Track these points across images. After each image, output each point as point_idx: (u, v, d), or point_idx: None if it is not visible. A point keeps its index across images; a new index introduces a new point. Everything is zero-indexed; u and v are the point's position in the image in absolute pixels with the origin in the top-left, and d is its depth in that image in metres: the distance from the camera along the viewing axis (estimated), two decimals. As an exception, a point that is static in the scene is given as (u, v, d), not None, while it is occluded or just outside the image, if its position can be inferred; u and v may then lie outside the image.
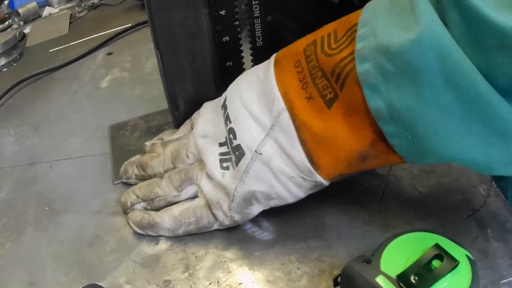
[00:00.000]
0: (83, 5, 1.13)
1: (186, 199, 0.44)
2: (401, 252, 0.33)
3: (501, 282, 0.35)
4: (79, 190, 0.53)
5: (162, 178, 0.45)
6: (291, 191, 0.38)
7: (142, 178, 0.48)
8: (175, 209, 0.43)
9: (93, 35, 0.94)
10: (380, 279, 0.31)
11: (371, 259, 0.33)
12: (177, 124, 0.54)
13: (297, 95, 0.35)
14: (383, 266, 0.32)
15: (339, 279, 0.34)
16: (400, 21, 0.28)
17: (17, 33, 1.02)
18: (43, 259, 0.45)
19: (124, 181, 0.51)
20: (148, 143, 0.52)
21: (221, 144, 0.41)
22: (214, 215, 0.41)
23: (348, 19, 0.33)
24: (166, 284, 0.40)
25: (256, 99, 0.38)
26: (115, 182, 0.52)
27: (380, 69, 0.29)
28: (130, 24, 0.91)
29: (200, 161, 0.44)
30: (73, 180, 0.54)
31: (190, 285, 0.39)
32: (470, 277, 0.31)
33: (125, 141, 0.59)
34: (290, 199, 0.39)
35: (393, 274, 0.31)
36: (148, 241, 0.44)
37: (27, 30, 1.06)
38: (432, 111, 0.28)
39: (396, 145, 0.32)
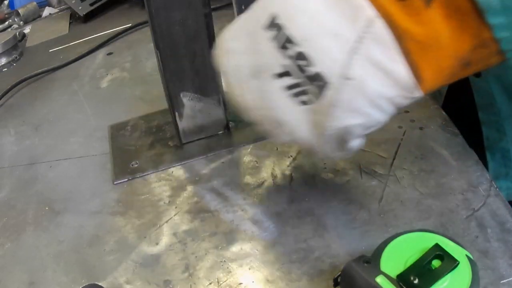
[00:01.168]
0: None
1: None
2: (401, 252, 0.33)
3: (501, 282, 0.35)
4: (79, 190, 0.53)
5: None
6: (388, 113, 0.31)
7: None
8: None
9: (93, 35, 0.94)
10: (380, 279, 0.31)
11: (371, 259, 0.33)
12: (177, 124, 0.54)
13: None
14: (383, 266, 0.32)
15: (339, 279, 0.34)
16: None
17: (17, 33, 1.02)
18: (43, 259, 0.45)
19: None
20: None
21: (279, 75, 0.32)
22: (323, 154, 0.35)
23: None
24: (166, 284, 0.40)
25: (326, 10, 0.29)
26: (115, 182, 0.52)
27: None
28: (130, 24, 0.91)
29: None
30: (73, 180, 0.54)
31: (190, 285, 0.39)
32: (470, 277, 0.31)
33: (125, 141, 0.59)
34: (386, 120, 0.32)
35: (393, 274, 0.31)
36: (148, 241, 0.44)
37: (27, 30, 1.06)
38: None
39: (503, 39, 0.28)
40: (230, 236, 0.43)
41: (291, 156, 0.51)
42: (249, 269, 0.40)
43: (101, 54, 0.86)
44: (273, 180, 0.49)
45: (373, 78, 0.29)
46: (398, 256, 0.33)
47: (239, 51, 0.33)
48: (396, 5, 0.28)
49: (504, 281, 0.35)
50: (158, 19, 0.46)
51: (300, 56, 0.30)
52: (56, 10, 1.12)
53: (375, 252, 0.34)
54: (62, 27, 1.03)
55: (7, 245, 0.47)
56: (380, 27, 0.28)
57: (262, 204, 0.46)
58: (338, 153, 0.33)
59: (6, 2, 1.18)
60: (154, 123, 0.61)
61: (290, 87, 0.31)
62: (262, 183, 0.49)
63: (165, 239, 0.44)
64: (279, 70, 0.31)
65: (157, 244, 0.44)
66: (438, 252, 0.32)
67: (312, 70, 0.30)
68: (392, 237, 0.35)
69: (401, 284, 0.31)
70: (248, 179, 0.50)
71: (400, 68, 0.29)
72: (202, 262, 0.41)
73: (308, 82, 0.30)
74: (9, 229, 0.49)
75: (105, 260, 0.43)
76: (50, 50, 0.93)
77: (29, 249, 0.46)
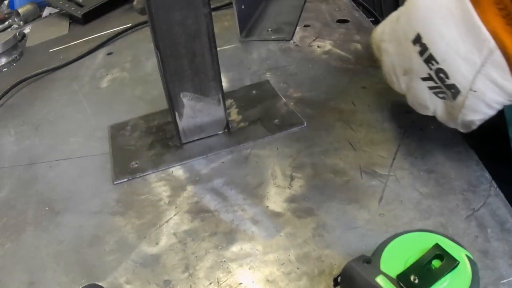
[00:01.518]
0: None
1: None
2: (401, 252, 0.33)
3: (501, 282, 0.35)
4: (79, 190, 0.53)
5: None
6: (497, 110, 0.42)
7: None
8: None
9: (93, 35, 0.94)
10: (380, 279, 0.31)
11: (371, 259, 0.33)
12: (177, 124, 0.54)
13: (504, 32, 0.38)
14: (383, 266, 0.32)
15: (339, 279, 0.34)
16: None
17: (17, 33, 1.02)
18: (43, 259, 0.45)
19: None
20: None
21: (424, 79, 0.43)
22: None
23: None
24: (166, 284, 0.40)
25: (460, 39, 0.40)
26: (115, 182, 0.52)
27: None
28: (130, 24, 0.91)
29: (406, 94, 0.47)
30: (73, 180, 0.55)
31: (190, 285, 0.39)
32: (470, 277, 0.31)
33: (125, 141, 0.59)
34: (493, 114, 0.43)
35: (393, 274, 0.31)
36: (148, 241, 0.44)
37: (27, 30, 1.06)
38: None
39: None
40: (230, 236, 0.43)
41: (291, 156, 0.51)
42: (249, 269, 0.40)
43: (101, 54, 0.86)
44: (273, 180, 0.49)
45: (491, 91, 0.40)
46: (398, 256, 0.33)
47: (392, 52, 0.46)
48: (508, 34, 0.38)
49: (504, 281, 0.35)
50: (158, 19, 0.46)
51: (440, 71, 0.42)
52: (56, 10, 1.12)
53: (375, 252, 0.34)
54: (62, 27, 1.03)
55: (7, 245, 0.47)
56: (498, 56, 0.38)
57: (262, 204, 0.46)
58: (463, 129, 0.45)
59: (6, 2, 1.18)
60: (154, 123, 0.61)
61: (433, 87, 0.43)
62: (262, 183, 0.49)
63: (165, 239, 0.44)
64: (425, 75, 0.43)
65: (157, 244, 0.44)
66: (438, 252, 0.32)
67: (449, 82, 0.41)
68: (392, 237, 0.35)
69: (401, 284, 0.31)
70: (248, 179, 0.50)
71: (510, 85, 0.39)
72: (202, 262, 0.41)
73: (445, 88, 0.42)
74: (9, 229, 0.49)
75: (105, 260, 0.43)
76: (50, 50, 0.93)
77: (29, 249, 0.46)
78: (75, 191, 0.53)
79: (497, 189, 0.43)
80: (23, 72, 0.82)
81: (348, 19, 0.81)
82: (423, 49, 0.42)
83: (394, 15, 0.46)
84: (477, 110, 0.42)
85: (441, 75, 0.42)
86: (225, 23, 0.88)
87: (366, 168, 0.48)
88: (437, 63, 0.42)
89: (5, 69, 0.89)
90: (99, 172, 0.55)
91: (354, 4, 0.87)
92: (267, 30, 0.81)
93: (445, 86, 0.42)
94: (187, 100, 0.52)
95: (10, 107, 0.74)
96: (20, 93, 0.78)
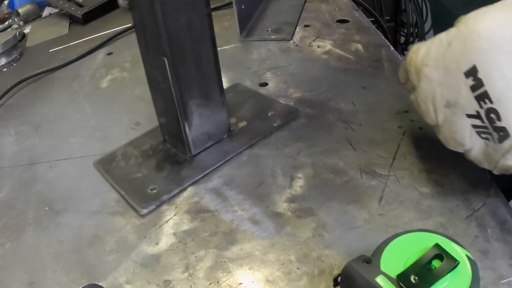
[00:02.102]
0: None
1: None
2: (401, 252, 0.33)
3: (501, 282, 0.35)
4: (79, 190, 0.53)
5: None
6: None
7: None
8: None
9: (93, 35, 0.94)
10: (380, 279, 0.31)
11: (371, 259, 0.33)
12: (187, 136, 0.51)
13: None
14: (383, 266, 0.32)
15: (339, 279, 0.34)
16: None
17: (17, 33, 1.02)
18: (43, 259, 0.45)
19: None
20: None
21: (470, 116, 0.40)
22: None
23: None
24: (166, 284, 0.40)
25: None
26: (143, 213, 0.47)
27: None
28: (130, 24, 0.91)
29: (439, 129, 0.43)
30: (73, 180, 0.54)
31: (190, 285, 0.39)
32: (470, 277, 0.31)
33: (126, 172, 0.53)
34: None
35: (393, 274, 0.31)
36: (148, 241, 0.44)
37: (27, 30, 1.06)
38: None
39: None
40: (230, 236, 0.43)
41: (291, 156, 0.51)
42: (249, 269, 0.40)
43: (101, 54, 0.86)
44: (273, 180, 0.49)
45: None
46: (398, 256, 0.33)
47: (436, 80, 0.41)
48: None
49: (504, 281, 0.35)
50: (166, 23, 0.44)
51: (492, 111, 0.38)
52: (56, 10, 1.12)
53: (375, 252, 0.34)
54: (62, 27, 1.03)
55: (7, 245, 0.47)
56: None
57: (262, 204, 0.46)
58: (495, 171, 0.41)
59: (6, 2, 1.18)
60: (146, 147, 0.56)
61: (477, 126, 0.40)
62: (262, 183, 0.49)
63: (165, 239, 0.44)
64: (472, 112, 0.39)
65: (157, 244, 0.44)
66: (438, 252, 0.32)
67: (499, 124, 0.38)
68: (392, 237, 0.35)
69: (401, 284, 0.31)
70: (248, 179, 0.50)
71: None
72: (202, 262, 0.41)
73: (492, 130, 0.39)
74: (9, 229, 0.49)
75: (105, 260, 0.43)
76: (50, 50, 0.93)
77: (29, 249, 0.46)
78: (75, 191, 0.53)
79: (497, 189, 0.43)
80: (23, 72, 0.82)
81: (348, 19, 0.81)
82: (478, 84, 0.38)
83: (443, 38, 0.41)
84: None
85: (492, 115, 0.38)
86: (225, 23, 0.88)
87: (366, 168, 0.48)
88: (491, 102, 0.38)
89: (5, 69, 0.89)
90: (99, 172, 0.55)
91: (354, 4, 0.87)
92: (267, 30, 0.81)
93: (493, 128, 0.39)
94: (195, 107, 0.50)
95: (10, 107, 0.74)
96: (20, 93, 0.78)
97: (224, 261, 0.41)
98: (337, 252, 0.40)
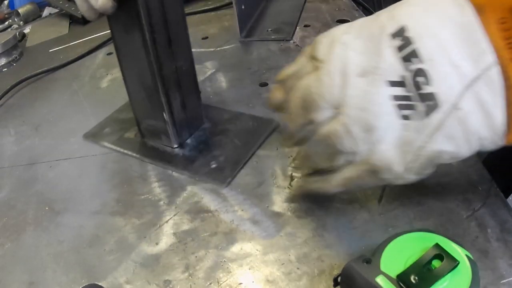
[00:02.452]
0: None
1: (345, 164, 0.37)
2: (401, 252, 0.33)
3: (501, 282, 0.35)
4: (79, 190, 0.53)
5: (311, 153, 0.38)
6: (471, 151, 0.34)
7: (298, 144, 0.40)
8: (339, 178, 0.37)
9: (93, 35, 0.94)
10: (380, 279, 0.31)
11: (371, 259, 0.33)
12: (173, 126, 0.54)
13: (504, 52, 0.31)
14: (383, 266, 0.32)
15: (339, 279, 0.34)
16: None
17: (17, 33, 1.02)
18: (43, 259, 0.45)
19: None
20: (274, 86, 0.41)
21: (392, 84, 0.33)
22: (380, 180, 0.35)
23: None
24: (166, 284, 0.40)
25: (455, 43, 0.32)
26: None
27: None
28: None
29: (339, 105, 0.34)
30: (73, 180, 0.55)
31: (190, 285, 0.39)
32: (470, 277, 0.31)
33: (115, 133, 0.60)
34: (462, 158, 0.34)
35: (393, 274, 0.31)
36: (148, 241, 0.44)
37: (27, 30, 1.06)
38: None
39: None
40: (230, 236, 0.43)
41: (291, 156, 0.51)
42: (249, 269, 0.40)
43: (101, 54, 0.86)
44: (273, 180, 0.49)
45: (476, 115, 0.32)
46: (398, 256, 0.33)
47: (355, 48, 0.34)
48: (509, 58, 0.31)
49: (504, 281, 0.35)
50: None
51: (421, 73, 0.32)
52: (56, 10, 1.12)
53: (375, 252, 0.34)
54: (62, 27, 1.04)
55: (7, 245, 0.47)
56: (496, 73, 0.31)
57: (262, 204, 0.46)
58: (410, 175, 0.35)
59: (6, 2, 1.18)
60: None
61: (399, 97, 0.33)
62: (262, 183, 0.49)
63: (165, 239, 0.44)
64: (395, 79, 0.33)
65: (157, 244, 0.44)
66: (438, 252, 0.32)
67: (429, 89, 0.32)
68: (392, 237, 0.35)
69: (401, 284, 0.31)
70: (248, 179, 0.50)
71: (499, 114, 0.32)
72: (202, 262, 0.41)
73: (418, 99, 0.32)
74: (9, 229, 0.49)
75: (105, 260, 0.43)
76: (50, 50, 0.93)
77: (29, 249, 0.46)
78: (75, 191, 0.53)
79: (497, 189, 0.43)
80: (23, 72, 0.82)
81: (348, 19, 0.81)
82: (405, 43, 0.32)
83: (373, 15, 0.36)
84: (453, 138, 0.32)
85: (420, 78, 0.32)
86: (225, 23, 0.88)
87: (366, 168, 0.48)
88: (421, 62, 0.32)
89: (5, 69, 0.89)
90: (99, 172, 0.55)
91: (354, 4, 0.87)
92: (267, 30, 0.81)
93: (419, 96, 0.32)
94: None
95: (10, 107, 0.75)
96: (20, 93, 0.78)
97: (224, 261, 0.41)
98: (337, 252, 0.40)
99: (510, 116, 0.32)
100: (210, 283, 0.39)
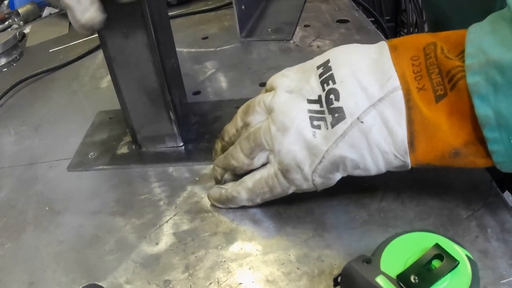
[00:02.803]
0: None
1: (260, 166, 0.43)
2: (401, 252, 0.33)
3: (501, 282, 0.35)
4: (79, 190, 0.53)
5: (234, 146, 0.44)
6: (378, 165, 0.39)
7: (224, 149, 0.47)
8: (249, 181, 0.43)
9: (93, 35, 0.94)
10: (380, 279, 0.31)
11: (371, 259, 0.33)
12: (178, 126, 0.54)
13: (412, 81, 0.37)
14: (383, 266, 0.32)
15: (339, 279, 0.34)
16: (506, 42, 0.33)
17: (17, 33, 1.02)
18: (43, 259, 0.45)
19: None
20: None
21: (310, 101, 0.40)
22: (289, 181, 0.41)
23: (454, 37, 0.38)
24: (166, 284, 0.40)
25: (367, 71, 0.39)
26: None
27: (491, 81, 0.33)
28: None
29: (269, 115, 0.42)
30: (73, 180, 0.55)
31: (190, 285, 0.39)
32: (470, 277, 0.31)
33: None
34: (373, 172, 0.39)
35: (393, 274, 0.31)
36: (148, 241, 0.44)
37: (27, 30, 1.06)
38: None
39: (495, 152, 0.35)
40: (230, 236, 0.43)
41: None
42: (249, 269, 0.40)
43: (101, 54, 0.86)
44: (273, 180, 0.49)
45: (378, 129, 0.37)
46: (398, 256, 0.33)
47: (291, 77, 0.43)
48: (414, 85, 0.37)
49: (504, 281, 0.35)
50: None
51: (333, 91, 0.39)
52: (56, 10, 1.12)
53: (375, 252, 0.34)
54: (62, 27, 1.04)
55: (7, 245, 0.47)
56: (399, 96, 0.37)
57: (262, 204, 0.46)
58: (316, 178, 0.40)
59: (6, 2, 1.18)
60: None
61: (313, 111, 0.40)
62: (262, 183, 0.49)
63: (165, 239, 0.44)
64: (313, 97, 0.40)
65: (157, 244, 0.44)
66: (438, 252, 0.32)
67: (336, 104, 0.38)
68: (392, 237, 0.35)
69: (401, 284, 0.31)
70: (248, 179, 0.50)
71: (400, 131, 0.37)
72: (202, 262, 0.41)
73: (328, 112, 0.39)
74: (9, 229, 0.49)
75: (105, 260, 0.43)
76: (50, 50, 0.93)
77: (29, 249, 0.46)
78: (75, 191, 0.53)
79: (497, 189, 0.43)
80: (23, 72, 0.82)
81: (348, 19, 0.81)
82: (326, 70, 0.40)
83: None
84: (355, 146, 0.38)
85: (331, 96, 0.38)
86: (225, 23, 0.88)
87: (366, 168, 0.48)
88: (334, 83, 0.39)
89: (5, 69, 0.89)
90: (99, 172, 0.55)
91: (354, 4, 0.87)
92: (267, 30, 0.82)
93: (329, 110, 0.38)
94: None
95: (10, 107, 0.75)
96: (20, 93, 0.78)
97: (224, 261, 0.41)
98: (337, 252, 0.40)
99: (411, 133, 0.37)
100: (210, 283, 0.39)
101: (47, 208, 0.51)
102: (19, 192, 0.54)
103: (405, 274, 0.31)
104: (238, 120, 0.45)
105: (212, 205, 0.47)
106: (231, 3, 0.81)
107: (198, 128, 0.56)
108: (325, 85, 0.40)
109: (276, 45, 0.77)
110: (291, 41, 0.77)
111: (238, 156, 0.43)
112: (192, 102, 0.63)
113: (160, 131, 0.55)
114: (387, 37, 0.81)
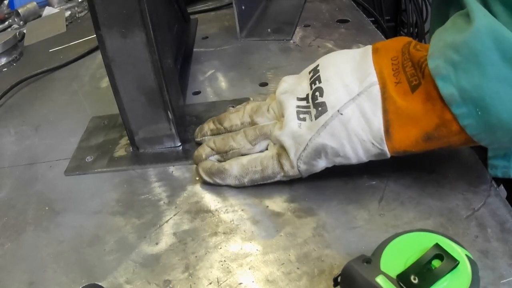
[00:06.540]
0: (83, 5, 1.13)
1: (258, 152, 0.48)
2: (401, 252, 0.33)
3: (501, 282, 0.35)
4: (79, 190, 0.53)
5: (237, 133, 0.49)
6: (357, 153, 0.42)
7: (217, 133, 0.51)
8: (244, 158, 0.47)
9: (93, 35, 0.94)
10: (380, 279, 0.31)
11: (371, 259, 0.33)
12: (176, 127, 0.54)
13: (389, 77, 0.41)
14: (383, 266, 0.32)
15: (339, 279, 0.34)
16: (459, 28, 0.37)
17: (17, 33, 1.02)
18: (43, 259, 0.45)
19: (198, 140, 0.53)
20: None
21: (299, 99, 0.45)
22: (280, 164, 0.45)
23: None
24: (166, 284, 0.40)
25: (350, 71, 0.43)
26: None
27: (449, 61, 0.36)
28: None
29: (279, 119, 0.48)
30: (73, 180, 0.54)
31: (190, 285, 0.39)
32: (470, 277, 0.31)
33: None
34: (354, 161, 0.43)
35: (393, 274, 0.31)
36: (148, 241, 0.44)
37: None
38: (495, 84, 0.34)
39: (467, 126, 0.37)
40: (230, 236, 0.43)
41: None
42: (249, 269, 0.40)
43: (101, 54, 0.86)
44: (273, 180, 0.49)
45: (357, 120, 0.41)
46: (398, 256, 0.33)
47: (289, 82, 0.49)
48: (392, 83, 0.41)
49: (504, 281, 0.35)
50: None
51: (318, 89, 0.44)
52: (56, 10, 1.12)
53: (375, 252, 0.34)
54: (59, 25, 1.03)
55: (7, 245, 0.47)
56: (376, 90, 0.41)
57: (262, 204, 0.46)
58: (300, 164, 0.44)
59: (6, 2, 1.18)
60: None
61: (300, 107, 0.45)
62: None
63: (165, 239, 0.44)
64: (302, 96, 0.46)
65: (157, 244, 0.44)
66: (438, 252, 0.32)
67: (320, 100, 0.43)
68: (392, 237, 0.35)
69: (401, 284, 0.31)
70: (248, 179, 0.50)
71: (376, 120, 0.40)
72: (202, 262, 0.41)
73: (313, 107, 0.43)
74: (9, 229, 0.49)
75: (105, 260, 0.43)
76: (50, 50, 0.93)
77: (29, 249, 0.46)
78: (75, 191, 0.53)
79: (497, 189, 0.43)
80: (23, 72, 0.82)
81: (348, 19, 0.81)
82: (315, 73, 0.45)
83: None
84: (335, 135, 0.41)
85: (317, 93, 0.43)
86: (225, 23, 0.88)
87: (366, 168, 0.48)
88: (320, 82, 0.44)
89: (5, 69, 0.89)
90: (99, 172, 0.55)
91: (354, 4, 0.87)
92: (267, 30, 0.82)
93: (313, 105, 0.43)
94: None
95: (10, 107, 0.75)
96: (20, 93, 0.78)
97: (224, 261, 0.41)
98: (337, 252, 0.40)
99: (386, 122, 0.40)
100: (210, 283, 0.39)
101: (47, 208, 0.51)
102: (19, 192, 0.54)
103: (405, 274, 0.31)
104: (245, 115, 0.50)
105: (213, 205, 0.47)
106: (231, 3, 0.81)
107: (195, 128, 0.56)
108: (312, 85, 0.45)
109: (276, 45, 0.77)
110: (291, 41, 0.77)
111: (240, 140, 0.47)
112: (187, 104, 0.64)
113: (158, 132, 0.54)
114: (387, 37, 0.81)
